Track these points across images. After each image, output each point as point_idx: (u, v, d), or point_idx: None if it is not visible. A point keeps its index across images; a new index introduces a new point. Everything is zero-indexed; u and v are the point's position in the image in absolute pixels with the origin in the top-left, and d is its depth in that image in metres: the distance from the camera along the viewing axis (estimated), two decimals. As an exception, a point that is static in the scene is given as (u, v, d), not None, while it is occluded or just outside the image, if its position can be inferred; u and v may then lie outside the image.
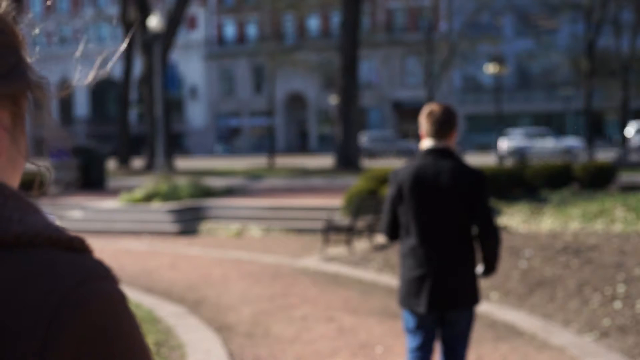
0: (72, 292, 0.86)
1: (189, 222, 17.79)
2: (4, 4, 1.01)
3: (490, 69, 39.22)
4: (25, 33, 1.05)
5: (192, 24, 72.13)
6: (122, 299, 0.91)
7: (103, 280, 0.90)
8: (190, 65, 72.72)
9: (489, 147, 56.48)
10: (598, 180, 19.65)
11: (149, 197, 19.33)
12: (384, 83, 67.29)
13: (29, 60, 1.03)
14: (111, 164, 36.89)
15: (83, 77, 1.12)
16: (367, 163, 37.45)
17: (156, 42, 28.85)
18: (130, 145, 42.61)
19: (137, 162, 42.88)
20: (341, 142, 34.31)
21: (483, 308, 8.59)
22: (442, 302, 4.54)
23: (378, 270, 11.82)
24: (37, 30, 1.09)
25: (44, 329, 0.83)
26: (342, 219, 14.98)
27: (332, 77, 52.25)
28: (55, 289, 0.86)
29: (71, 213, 18.75)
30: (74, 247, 0.92)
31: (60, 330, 0.84)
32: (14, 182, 1.01)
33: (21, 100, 1.00)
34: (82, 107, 72.46)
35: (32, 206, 0.95)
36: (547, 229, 14.62)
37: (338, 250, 13.82)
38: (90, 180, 24.38)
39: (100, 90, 72.08)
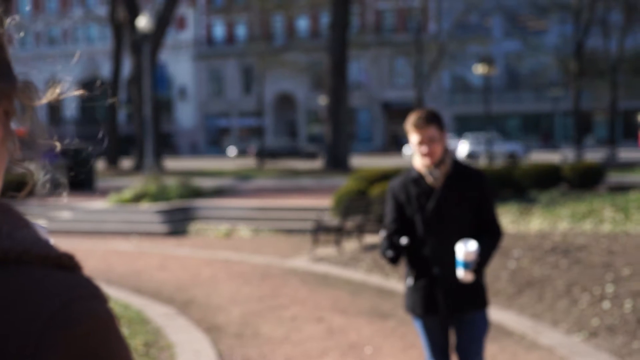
0: (60, 313, 0.84)
1: (178, 223, 17.76)
2: None
3: (479, 69, 39.23)
4: (13, 34, 1.04)
5: (181, 24, 72.03)
6: (110, 319, 0.89)
7: (91, 300, 0.88)
8: (180, 65, 72.62)
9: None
10: (587, 180, 19.71)
11: (137, 198, 19.29)
12: (373, 83, 67.35)
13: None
14: (100, 165, 36.80)
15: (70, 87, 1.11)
16: (356, 163, 37.46)
17: (145, 43, 28.79)
18: (119, 146, 42.53)
19: (126, 163, 42.79)
20: (330, 143, 34.32)
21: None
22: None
23: (367, 270, 11.82)
24: (22, 32, 1.08)
25: (30, 352, 0.82)
26: (332, 220, 14.98)
27: (321, 78, 52.24)
28: (42, 310, 0.84)
29: (60, 214, 18.70)
30: (62, 265, 0.90)
31: (48, 353, 0.82)
32: None
33: (13, 99, 0.99)
34: (70, 107, 72.25)
35: (22, 219, 0.93)
36: (536, 229, 14.66)
37: (327, 250, 13.81)
38: (79, 180, 24.31)
39: (89, 90, 71.79)
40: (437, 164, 4.50)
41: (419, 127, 4.45)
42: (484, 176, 4.63)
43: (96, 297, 0.89)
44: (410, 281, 4.62)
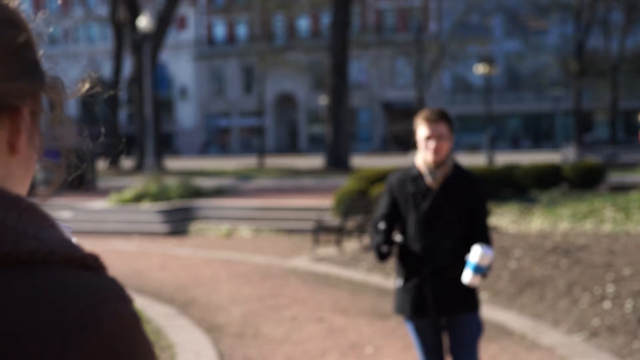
0: (85, 314, 0.84)
1: (178, 223, 17.76)
2: (16, 2, 1.00)
3: (480, 69, 39.27)
4: (43, 31, 1.05)
5: (182, 24, 72.02)
6: (135, 320, 0.89)
7: (116, 301, 0.88)
8: (180, 65, 72.62)
9: (479, 147, 56.58)
10: (587, 180, 19.69)
11: (138, 198, 19.29)
12: (374, 83, 67.34)
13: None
14: (101, 164, 36.80)
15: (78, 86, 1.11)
16: (357, 163, 37.45)
17: (146, 42, 28.80)
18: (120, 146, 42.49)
19: (127, 162, 42.78)
20: (331, 143, 34.33)
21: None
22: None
23: (368, 270, 11.81)
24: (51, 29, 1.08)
25: (55, 353, 0.81)
26: (332, 219, 14.98)
27: (322, 78, 52.26)
28: (67, 310, 0.84)
29: (61, 213, 18.69)
30: (87, 265, 0.90)
31: (72, 354, 0.82)
32: (26, 181, 1.00)
33: (40, 98, 0.99)
34: (71, 107, 72.21)
35: (48, 220, 0.93)
36: (536, 229, 14.66)
37: (328, 250, 13.81)
38: (80, 180, 24.29)
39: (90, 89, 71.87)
40: (439, 164, 4.49)
41: (430, 120, 4.44)
42: (483, 184, 4.63)
43: (122, 299, 0.89)
44: (399, 282, 4.60)
